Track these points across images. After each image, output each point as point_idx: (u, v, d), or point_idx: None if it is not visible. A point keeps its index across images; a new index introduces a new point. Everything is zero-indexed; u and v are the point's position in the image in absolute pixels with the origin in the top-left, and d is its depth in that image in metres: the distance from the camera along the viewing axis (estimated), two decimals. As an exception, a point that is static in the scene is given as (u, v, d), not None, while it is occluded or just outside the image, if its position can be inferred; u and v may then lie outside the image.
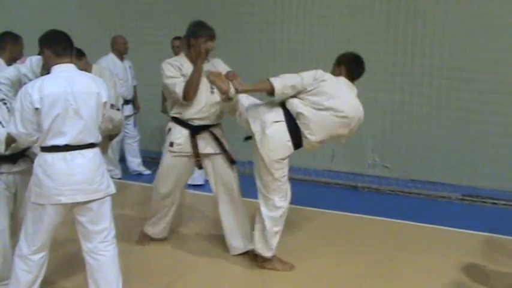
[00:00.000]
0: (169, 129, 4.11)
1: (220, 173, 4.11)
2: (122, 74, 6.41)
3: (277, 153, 3.65)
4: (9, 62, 4.42)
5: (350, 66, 3.81)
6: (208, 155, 4.08)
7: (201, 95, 3.98)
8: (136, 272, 3.81)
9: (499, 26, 5.80)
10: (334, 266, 3.98)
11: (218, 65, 4.11)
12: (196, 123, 4.02)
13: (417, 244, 4.53)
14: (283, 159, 3.68)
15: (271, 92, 3.62)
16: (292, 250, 4.14)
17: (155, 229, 4.36)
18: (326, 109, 3.61)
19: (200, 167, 4.12)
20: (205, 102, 3.99)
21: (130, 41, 6.53)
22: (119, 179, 6.29)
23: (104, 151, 3.76)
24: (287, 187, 3.79)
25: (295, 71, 3.71)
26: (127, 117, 6.38)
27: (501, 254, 4.32)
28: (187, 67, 3.96)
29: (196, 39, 3.92)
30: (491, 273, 3.97)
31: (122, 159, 6.70)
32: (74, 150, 2.96)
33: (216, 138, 4.07)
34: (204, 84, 3.98)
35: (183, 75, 3.93)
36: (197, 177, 5.96)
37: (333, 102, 3.61)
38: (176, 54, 6.50)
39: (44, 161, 2.96)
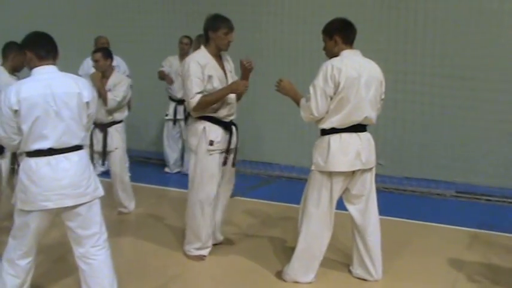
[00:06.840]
0: (204, 128, 3.91)
1: (228, 168, 4.10)
2: None
3: None
4: (12, 71, 4.40)
5: (344, 33, 3.56)
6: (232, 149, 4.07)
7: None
8: (131, 272, 3.79)
9: (492, 23, 5.81)
10: (330, 264, 3.97)
11: (230, 61, 4.10)
12: (228, 119, 4.00)
13: (412, 241, 4.54)
14: None
15: None
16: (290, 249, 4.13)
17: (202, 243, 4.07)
18: None
19: (225, 163, 4.01)
20: (233, 98, 3.98)
21: (118, 40, 6.46)
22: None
23: None
24: None
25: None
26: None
27: (496, 250, 4.33)
28: (210, 62, 3.87)
29: (215, 31, 3.83)
30: (488, 269, 3.98)
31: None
32: (58, 154, 2.92)
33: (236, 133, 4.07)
34: (229, 78, 3.97)
35: (210, 76, 3.82)
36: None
37: None
38: (182, 52, 6.47)
39: (29, 167, 2.92)
